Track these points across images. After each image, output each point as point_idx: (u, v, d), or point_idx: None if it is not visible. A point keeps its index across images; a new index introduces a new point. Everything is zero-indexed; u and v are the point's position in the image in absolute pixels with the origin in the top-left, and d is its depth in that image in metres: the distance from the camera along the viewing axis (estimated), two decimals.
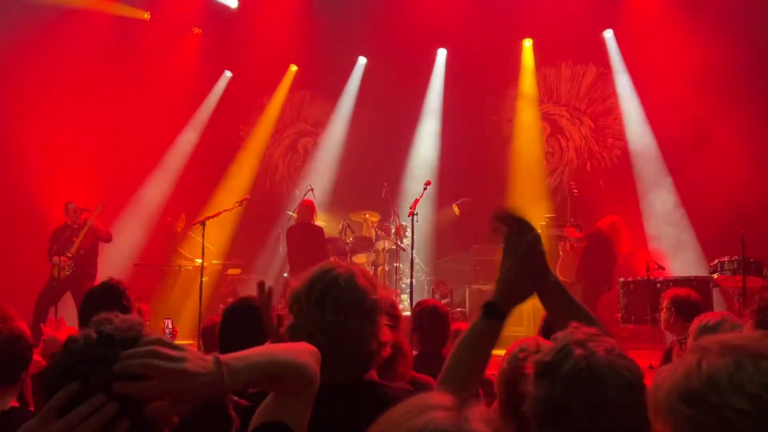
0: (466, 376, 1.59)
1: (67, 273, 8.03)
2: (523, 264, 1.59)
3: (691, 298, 4.18)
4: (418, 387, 2.61)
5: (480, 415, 0.90)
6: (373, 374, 1.89)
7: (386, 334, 1.81)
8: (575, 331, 1.36)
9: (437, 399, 0.94)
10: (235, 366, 1.17)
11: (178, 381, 1.08)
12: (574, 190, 8.76)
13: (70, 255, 8.08)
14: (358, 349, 1.75)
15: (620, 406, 1.25)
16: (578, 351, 1.29)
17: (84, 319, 2.80)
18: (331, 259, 8.76)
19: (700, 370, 0.97)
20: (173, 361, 1.09)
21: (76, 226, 8.29)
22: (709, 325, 2.73)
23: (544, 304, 1.66)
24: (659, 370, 1.07)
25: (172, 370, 1.08)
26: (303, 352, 1.38)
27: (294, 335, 1.76)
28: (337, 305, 1.73)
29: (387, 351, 1.82)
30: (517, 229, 1.61)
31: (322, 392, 1.77)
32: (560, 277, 1.80)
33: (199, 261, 8.49)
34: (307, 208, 8.81)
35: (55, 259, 8.08)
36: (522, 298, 1.62)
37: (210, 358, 1.14)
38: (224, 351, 1.97)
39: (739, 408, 0.93)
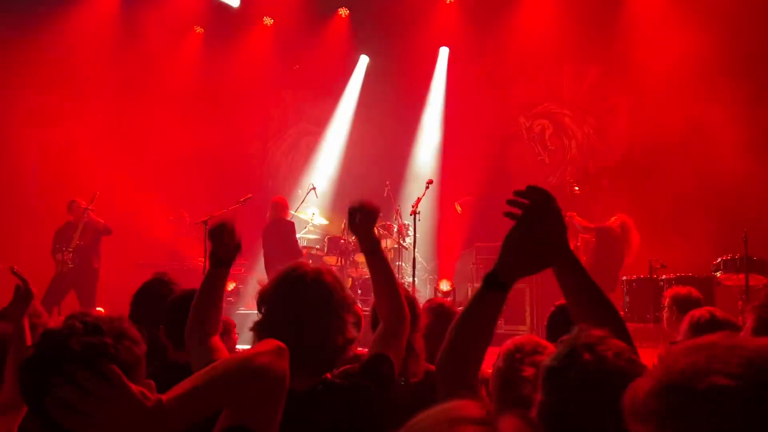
0: (468, 351, 1.54)
1: (70, 266, 8.06)
2: (542, 232, 1.52)
3: (692, 296, 4.17)
4: (432, 380, 2.61)
5: (512, 431, 0.88)
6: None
7: (352, 332, 1.81)
8: (582, 333, 1.32)
9: (469, 411, 0.91)
10: (176, 408, 1.22)
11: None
12: (575, 187, 8.70)
13: (70, 250, 8.10)
14: (323, 344, 1.75)
15: None
16: (586, 356, 1.27)
17: (135, 314, 2.81)
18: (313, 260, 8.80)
19: (679, 367, 0.96)
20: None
21: (79, 225, 8.32)
22: (700, 323, 2.72)
23: (560, 282, 1.60)
24: (635, 382, 1.05)
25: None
26: (261, 354, 1.38)
27: (260, 333, 1.78)
28: (302, 300, 1.75)
29: (355, 349, 1.84)
30: (540, 199, 1.55)
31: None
32: None
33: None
34: (278, 204, 8.97)
35: (58, 256, 8.11)
36: (528, 270, 1.54)
37: (151, 399, 1.20)
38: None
39: (724, 386, 0.91)
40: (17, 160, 10.06)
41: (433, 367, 2.79)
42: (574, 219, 7.97)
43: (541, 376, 1.32)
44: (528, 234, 1.52)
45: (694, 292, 4.24)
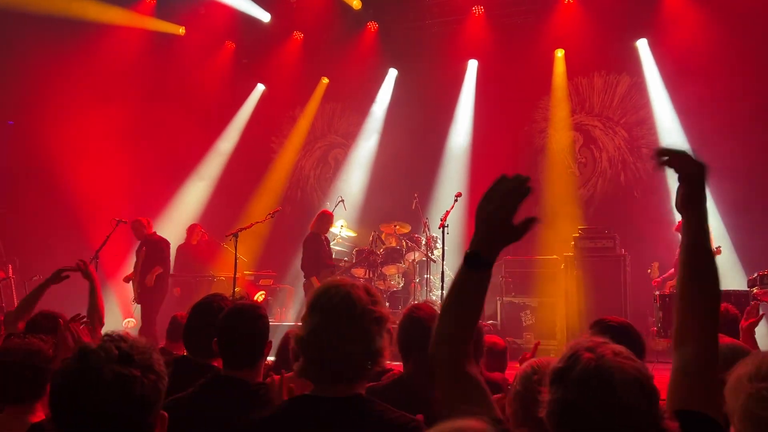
0: (459, 334, 1.55)
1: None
2: (508, 204, 1.53)
3: (730, 313, 4.05)
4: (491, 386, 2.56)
5: None
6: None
7: (380, 343, 1.85)
8: (584, 340, 1.43)
9: (474, 427, 0.97)
10: None
11: None
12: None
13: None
14: (341, 351, 1.80)
15: (630, 405, 1.30)
16: (587, 355, 1.36)
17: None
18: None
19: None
20: None
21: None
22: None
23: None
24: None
25: None
26: None
27: (298, 345, 1.85)
28: (329, 310, 1.81)
29: (382, 362, 1.86)
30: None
31: (309, 404, 1.80)
32: None
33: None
34: (318, 216, 8.97)
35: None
36: (507, 240, 1.56)
37: None
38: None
39: None
40: (55, 172, 10.29)
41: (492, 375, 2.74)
42: None
43: (548, 378, 1.42)
44: (499, 204, 1.54)
45: (732, 309, 4.12)
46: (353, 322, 1.81)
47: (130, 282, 8.73)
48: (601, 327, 2.69)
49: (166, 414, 1.42)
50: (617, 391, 1.30)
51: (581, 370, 1.34)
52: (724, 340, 2.85)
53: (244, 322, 2.53)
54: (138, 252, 8.70)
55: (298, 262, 11.33)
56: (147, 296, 8.41)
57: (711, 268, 1.66)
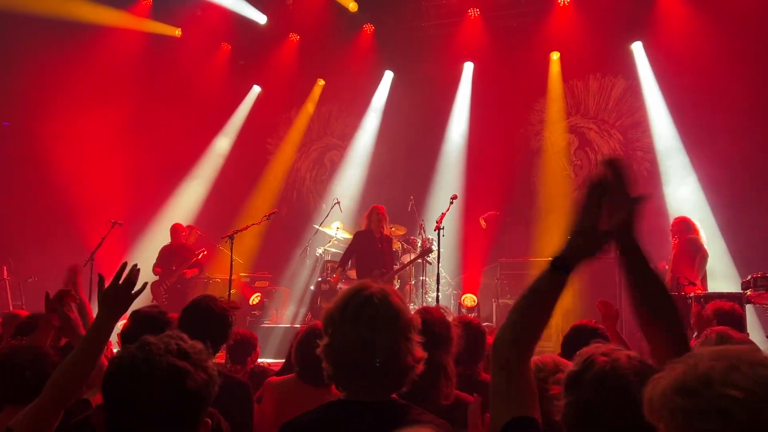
0: (527, 330, 1.53)
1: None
2: (606, 212, 1.52)
3: (736, 312, 4.06)
4: (462, 406, 2.56)
5: None
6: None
7: (420, 352, 1.84)
8: (599, 346, 1.45)
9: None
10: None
11: None
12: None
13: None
14: (393, 365, 1.79)
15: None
16: (602, 358, 1.39)
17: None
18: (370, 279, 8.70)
19: (697, 370, 1.02)
20: None
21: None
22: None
23: (623, 266, 1.63)
24: (655, 376, 1.13)
25: None
26: None
27: (329, 353, 1.82)
28: (373, 322, 1.78)
29: (420, 368, 1.85)
30: (610, 175, 1.55)
31: (347, 408, 1.81)
32: None
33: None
34: (369, 211, 8.66)
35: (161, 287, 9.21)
36: (591, 253, 1.55)
37: None
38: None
39: (732, 397, 0.96)
40: (54, 174, 10.27)
41: (463, 394, 2.71)
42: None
43: (564, 383, 1.44)
44: (591, 215, 1.53)
45: (738, 309, 4.12)
46: (401, 335, 1.80)
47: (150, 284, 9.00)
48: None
49: (209, 421, 1.45)
50: (631, 392, 1.31)
51: (597, 371, 1.37)
52: (734, 333, 2.89)
53: None
54: (166, 255, 9.30)
55: (293, 264, 11.32)
56: (174, 294, 8.90)
57: (663, 286, 1.64)
